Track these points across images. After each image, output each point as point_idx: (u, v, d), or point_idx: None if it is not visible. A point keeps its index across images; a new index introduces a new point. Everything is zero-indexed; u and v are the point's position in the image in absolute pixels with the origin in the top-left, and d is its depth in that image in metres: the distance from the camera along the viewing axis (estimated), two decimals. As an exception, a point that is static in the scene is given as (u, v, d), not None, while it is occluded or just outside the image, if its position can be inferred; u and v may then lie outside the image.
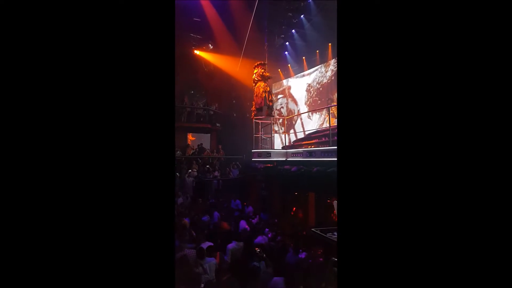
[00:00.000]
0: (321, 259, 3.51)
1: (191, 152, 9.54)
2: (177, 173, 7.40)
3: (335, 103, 7.52)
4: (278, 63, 11.66)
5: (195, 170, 8.17)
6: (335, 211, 4.86)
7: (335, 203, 4.92)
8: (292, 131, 11.17)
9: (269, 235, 4.30)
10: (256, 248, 3.28)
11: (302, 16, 9.50)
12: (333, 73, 9.69)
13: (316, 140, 6.47)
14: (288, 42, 10.94)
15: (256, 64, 7.01)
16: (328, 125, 6.58)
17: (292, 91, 11.94)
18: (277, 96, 12.67)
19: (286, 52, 11.42)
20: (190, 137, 10.88)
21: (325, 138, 5.92)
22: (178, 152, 8.95)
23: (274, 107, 7.57)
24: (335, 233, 3.74)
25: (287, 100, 12.25)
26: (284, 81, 12.28)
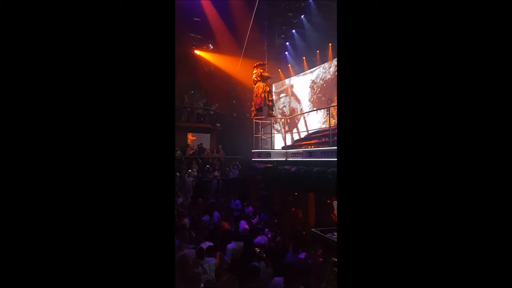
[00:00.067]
0: (321, 259, 3.52)
1: (191, 152, 9.54)
2: (177, 173, 7.40)
3: (335, 103, 7.50)
4: (278, 63, 11.65)
5: (195, 170, 8.18)
6: (335, 211, 4.86)
7: (335, 203, 4.92)
8: (295, 130, 11.14)
9: (269, 235, 4.30)
10: (256, 248, 3.28)
11: (302, 16, 9.50)
12: (336, 68, 9.63)
13: (316, 141, 6.46)
14: (289, 42, 10.94)
15: (255, 65, 7.02)
16: (330, 123, 6.57)
17: (295, 90, 11.88)
18: (279, 95, 12.63)
19: (286, 52, 11.42)
20: (190, 137, 10.89)
21: (325, 139, 5.92)
22: (178, 152, 8.96)
23: (274, 107, 7.56)
24: (335, 233, 3.74)
25: (289, 99, 12.21)
26: (287, 80, 12.22)
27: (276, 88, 12.62)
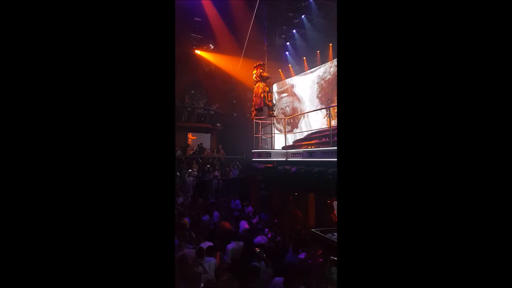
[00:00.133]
0: (321, 260, 3.52)
1: (192, 152, 9.55)
2: (178, 173, 7.41)
3: (335, 104, 7.48)
4: (279, 63, 11.64)
5: (196, 170, 8.19)
6: (335, 212, 4.86)
7: (335, 203, 4.92)
8: (297, 129, 11.08)
9: (269, 235, 4.30)
10: (256, 248, 3.28)
11: (303, 16, 9.49)
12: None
13: (317, 141, 6.46)
14: (289, 42, 10.93)
15: (255, 65, 7.02)
16: (330, 123, 6.55)
17: (297, 90, 11.82)
18: (281, 95, 12.59)
19: (287, 52, 11.41)
20: (190, 136, 10.90)
21: (325, 139, 5.92)
22: (178, 151, 8.96)
23: (274, 107, 7.56)
24: (335, 234, 3.74)
25: (291, 98, 12.16)
26: (288, 80, 12.17)
27: (278, 88, 12.58)
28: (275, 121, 9.58)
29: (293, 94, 11.90)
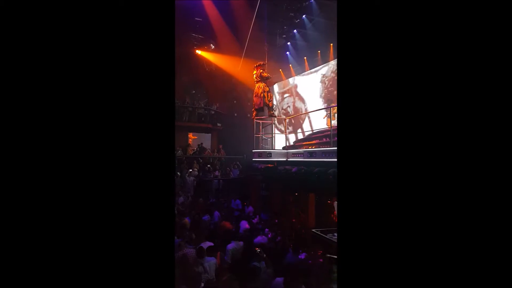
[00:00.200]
0: (321, 260, 3.51)
1: (192, 151, 9.56)
2: (178, 173, 7.42)
3: (335, 104, 7.46)
4: (279, 63, 11.62)
5: (196, 170, 8.20)
6: (336, 212, 4.86)
7: (335, 204, 4.91)
8: (300, 130, 11.05)
9: (269, 235, 4.30)
10: (257, 248, 3.28)
11: (304, 16, 9.48)
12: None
13: (317, 141, 6.46)
14: (290, 42, 10.92)
15: (255, 65, 7.02)
16: (330, 124, 6.53)
17: (300, 89, 11.78)
18: (283, 95, 12.55)
19: (287, 52, 11.40)
20: (191, 136, 10.91)
21: (326, 139, 5.91)
22: (179, 151, 8.97)
23: (275, 107, 7.55)
24: (335, 234, 3.74)
25: (293, 99, 12.11)
26: (290, 80, 12.14)
27: (280, 89, 12.54)
28: (276, 121, 9.57)
29: (296, 94, 11.86)
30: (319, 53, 10.20)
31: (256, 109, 6.86)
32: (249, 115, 9.20)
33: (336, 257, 2.91)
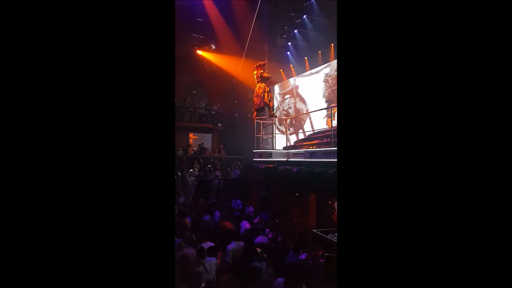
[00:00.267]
0: (321, 260, 3.51)
1: (193, 151, 9.57)
2: (179, 173, 7.43)
3: (334, 104, 7.44)
4: (280, 63, 11.62)
5: (197, 170, 8.21)
6: (336, 212, 4.85)
7: (336, 204, 4.91)
8: (301, 130, 11.03)
9: (270, 236, 4.30)
10: (257, 249, 3.28)
11: (304, 16, 9.47)
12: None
13: (318, 141, 6.46)
14: (291, 42, 10.92)
15: (256, 65, 7.03)
16: (331, 124, 6.53)
17: (300, 91, 11.76)
18: (284, 96, 12.52)
19: (288, 52, 11.40)
20: (192, 136, 10.92)
21: (326, 139, 5.91)
22: (180, 151, 8.98)
23: (275, 107, 7.55)
24: (336, 234, 3.73)
25: (294, 100, 12.08)
26: (291, 80, 12.12)
27: (281, 90, 12.52)
28: (277, 122, 9.55)
29: (297, 95, 11.83)
30: (320, 53, 10.19)
31: (256, 109, 6.86)
32: (249, 115, 9.21)
33: (334, 255, 2.91)
